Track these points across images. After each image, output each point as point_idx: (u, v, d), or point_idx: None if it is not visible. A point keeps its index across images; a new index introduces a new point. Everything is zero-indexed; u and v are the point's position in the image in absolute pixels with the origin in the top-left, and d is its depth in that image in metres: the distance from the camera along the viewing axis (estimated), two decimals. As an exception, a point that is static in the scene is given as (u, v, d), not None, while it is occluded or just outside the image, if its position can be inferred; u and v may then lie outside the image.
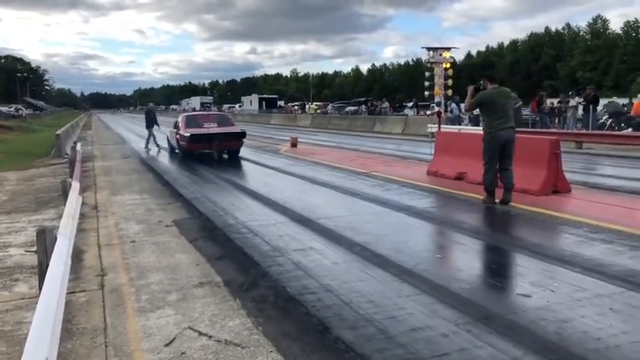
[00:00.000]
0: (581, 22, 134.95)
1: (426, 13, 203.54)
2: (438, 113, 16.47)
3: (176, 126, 15.90)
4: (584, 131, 18.04)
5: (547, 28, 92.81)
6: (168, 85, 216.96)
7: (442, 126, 15.61)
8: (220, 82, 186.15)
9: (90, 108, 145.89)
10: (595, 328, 3.46)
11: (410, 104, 45.81)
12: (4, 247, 6.14)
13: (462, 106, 20.11)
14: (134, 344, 3.49)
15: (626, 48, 75.27)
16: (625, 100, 28.67)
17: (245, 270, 4.99)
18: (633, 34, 78.10)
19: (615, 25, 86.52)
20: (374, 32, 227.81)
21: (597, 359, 3.07)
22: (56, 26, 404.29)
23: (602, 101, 23.66)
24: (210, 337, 3.55)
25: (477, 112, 12.96)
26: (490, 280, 4.66)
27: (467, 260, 5.26)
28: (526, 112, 22.98)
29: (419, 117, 31.34)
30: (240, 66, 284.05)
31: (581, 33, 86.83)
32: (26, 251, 5.83)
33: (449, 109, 25.20)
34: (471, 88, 7.82)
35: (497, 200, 7.39)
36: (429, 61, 27.29)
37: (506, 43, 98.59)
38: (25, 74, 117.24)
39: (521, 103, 22.31)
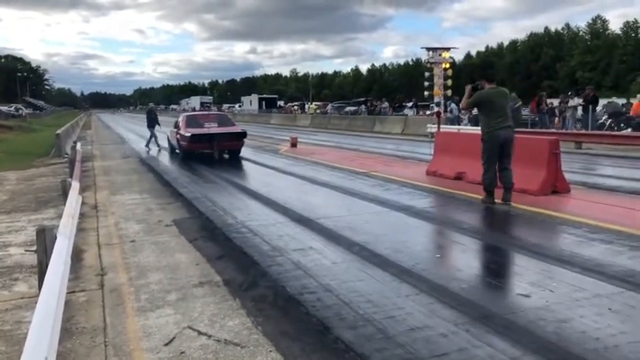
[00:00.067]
0: (580, 22, 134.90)
1: (426, 13, 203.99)
2: (438, 113, 16.47)
3: (176, 126, 15.85)
4: (583, 131, 18.05)
5: (547, 28, 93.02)
6: (168, 85, 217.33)
7: (441, 126, 15.61)
8: (220, 81, 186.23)
9: (90, 108, 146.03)
10: (594, 328, 3.47)
11: (409, 104, 45.84)
12: (3, 247, 6.15)
13: (462, 106, 20.08)
14: (134, 344, 3.49)
15: (625, 48, 75.34)
16: (624, 101, 28.66)
17: (245, 270, 4.99)
18: (633, 35, 78.17)
19: (615, 26, 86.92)
20: (374, 32, 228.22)
21: (596, 359, 3.08)
22: (56, 26, 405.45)
23: (602, 101, 23.66)
24: (210, 336, 3.56)
25: (475, 112, 12.97)
26: (489, 280, 4.67)
27: (466, 260, 5.27)
28: (525, 112, 23.02)
29: (418, 117, 31.35)
30: (240, 66, 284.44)
31: (581, 33, 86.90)
32: (26, 250, 5.83)
33: (448, 109, 25.24)
34: (468, 88, 7.85)
35: (496, 200, 7.40)
36: (428, 62, 27.34)
37: (505, 43, 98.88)
38: (25, 74, 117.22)
39: (520, 103, 22.38)
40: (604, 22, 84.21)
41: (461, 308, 3.86)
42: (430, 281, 4.47)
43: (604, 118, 20.29)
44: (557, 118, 21.57)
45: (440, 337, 3.41)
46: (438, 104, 26.19)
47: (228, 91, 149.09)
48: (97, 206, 8.39)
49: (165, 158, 16.33)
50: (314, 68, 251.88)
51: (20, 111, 57.14)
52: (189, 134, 14.20)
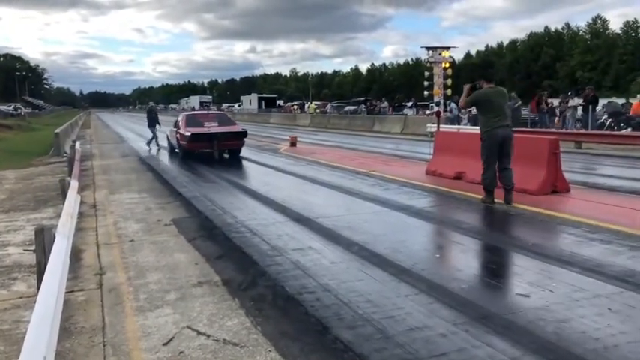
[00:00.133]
0: (580, 22, 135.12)
1: (426, 13, 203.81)
2: (437, 113, 16.48)
3: (176, 125, 15.76)
4: (583, 131, 18.06)
5: (546, 27, 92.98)
6: (167, 84, 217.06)
7: (441, 126, 15.61)
8: (219, 81, 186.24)
9: (89, 107, 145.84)
10: (593, 328, 3.46)
11: (409, 104, 45.97)
12: (2, 246, 6.14)
13: (461, 105, 20.07)
14: (132, 343, 3.49)
15: (625, 48, 75.39)
16: (623, 100, 28.67)
17: (244, 269, 4.99)
18: (632, 34, 78.23)
19: (614, 25, 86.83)
20: (373, 32, 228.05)
21: (596, 359, 3.08)
22: (56, 25, 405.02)
23: (602, 101, 23.67)
24: (209, 336, 3.55)
25: (475, 111, 12.97)
26: (488, 280, 4.67)
27: (465, 260, 5.26)
28: (525, 111, 23.03)
29: (418, 116, 31.40)
30: (240, 65, 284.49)
31: (581, 33, 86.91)
32: (25, 250, 5.82)
33: (448, 108, 25.23)
34: (467, 87, 7.87)
35: (498, 201, 7.39)
36: (428, 61, 27.31)
37: (505, 42, 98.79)
38: (24, 73, 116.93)
39: (520, 102, 22.38)
40: (604, 21, 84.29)
41: (460, 308, 3.85)
42: (429, 281, 4.47)
43: (604, 117, 20.29)
44: (557, 118, 21.57)
45: (439, 336, 3.41)
46: (437, 104, 26.18)
47: (227, 90, 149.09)
48: (96, 205, 8.38)
49: (164, 158, 16.31)
50: (313, 68, 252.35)
51: (19, 110, 57.15)
52: (189, 134, 14.13)
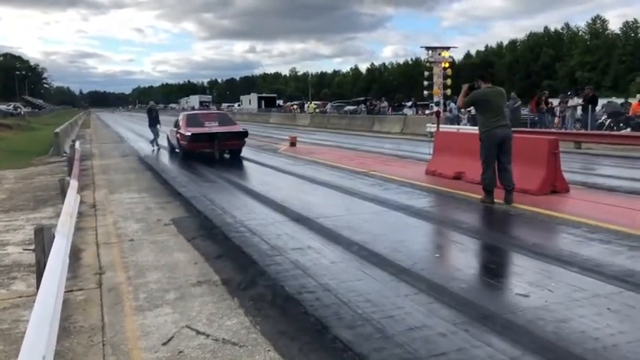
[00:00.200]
0: (580, 22, 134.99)
1: (426, 13, 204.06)
2: (437, 113, 16.47)
3: (176, 125, 15.70)
4: (582, 131, 18.07)
5: (546, 27, 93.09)
6: (167, 84, 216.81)
7: (441, 125, 15.60)
8: (219, 80, 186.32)
9: (89, 106, 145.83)
10: (593, 328, 3.46)
11: (409, 104, 45.95)
12: (1, 245, 6.13)
13: (461, 105, 20.07)
14: (132, 343, 3.49)
15: (624, 48, 75.46)
16: (622, 100, 28.68)
17: (243, 269, 4.99)
18: (632, 35, 78.32)
19: (614, 26, 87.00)
20: (373, 31, 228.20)
21: (595, 359, 3.08)
22: (55, 24, 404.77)
23: (601, 101, 23.67)
24: (208, 335, 3.55)
25: (474, 111, 12.99)
26: (488, 280, 4.67)
27: (465, 260, 5.26)
28: (525, 111, 23.04)
29: (418, 116, 31.39)
30: (239, 65, 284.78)
31: (580, 33, 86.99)
32: (24, 249, 5.82)
33: (448, 108, 25.22)
34: (465, 87, 7.88)
35: (499, 201, 7.39)
36: (428, 61, 27.24)
37: (505, 42, 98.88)
38: (24, 72, 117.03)
39: (520, 102, 22.39)
40: (603, 22, 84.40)
41: (460, 308, 3.85)
42: (429, 281, 4.47)
43: (603, 118, 20.30)
44: (556, 118, 21.58)
45: (439, 336, 3.41)
46: (437, 104, 26.14)
47: (227, 90, 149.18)
48: (95, 205, 8.38)
49: (163, 157, 16.30)
50: (313, 67, 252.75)
51: (19, 109, 57.10)
52: (189, 133, 14.07)
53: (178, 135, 14.95)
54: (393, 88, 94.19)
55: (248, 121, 45.21)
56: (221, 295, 4.31)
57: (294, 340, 3.46)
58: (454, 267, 5.03)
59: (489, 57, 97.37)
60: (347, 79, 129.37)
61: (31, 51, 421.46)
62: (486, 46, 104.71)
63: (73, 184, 7.19)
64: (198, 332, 3.60)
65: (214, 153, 14.34)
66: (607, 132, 17.86)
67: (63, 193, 6.71)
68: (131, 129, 35.03)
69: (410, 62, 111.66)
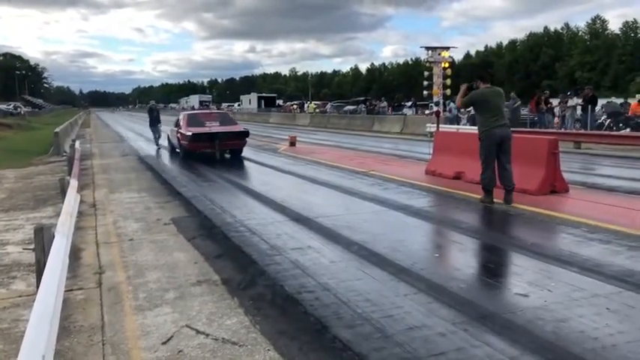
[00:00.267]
0: (579, 22, 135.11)
1: (426, 13, 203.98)
2: (437, 113, 16.47)
3: (177, 124, 15.64)
4: (582, 131, 18.08)
5: (546, 28, 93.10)
6: (167, 84, 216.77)
7: (440, 125, 15.61)
8: (219, 80, 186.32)
9: (89, 106, 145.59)
10: (592, 327, 3.47)
11: (408, 103, 45.98)
12: (1, 245, 6.14)
13: (461, 105, 20.07)
14: (131, 342, 3.49)
15: (624, 48, 75.48)
16: (621, 100, 28.68)
17: (243, 268, 4.99)
18: (632, 35, 78.33)
19: (614, 26, 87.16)
20: (373, 31, 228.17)
21: (594, 359, 3.08)
22: (55, 24, 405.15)
23: (601, 101, 23.67)
24: (208, 335, 3.55)
25: (473, 111, 13.00)
26: (487, 280, 4.67)
27: (464, 259, 5.27)
28: (525, 111, 23.03)
29: (417, 116, 31.40)
30: (239, 65, 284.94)
31: (580, 33, 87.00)
32: (24, 249, 5.83)
33: (447, 108, 25.22)
34: (463, 87, 7.89)
35: (498, 201, 7.40)
36: (427, 61, 27.23)
37: (505, 42, 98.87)
38: (24, 72, 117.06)
39: (520, 102, 22.39)
40: (603, 22, 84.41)
41: (459, 307, 3.86)
42: (428, 280, 4.47)
43: (603, 118, 20.30)
44: (556, 118, 21.58)
45: (438, 336, 3.41)
46: (437, 104, 26.14)
47: (227, 89, 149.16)
48: (95, 204, 8.38)
49: (164, 157, 16.30)
50: (313, 67, 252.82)
51: (19, 109, 57.05)
52: (190, 133, 14.02)
53: (179, 135, 14.89)
54: (393, 88, 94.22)
55: (248, 121, 45.16)
56: (221, 294, 4.32)
57: (294, 339, 3.47)
58: (453, 267, 5.03)
59: (489, 57, 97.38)
60: (347, 79, 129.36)
61: (31, 50, 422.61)
62: (486, 46, 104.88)
63: (73, 183, 7.19)
64: (197, 332, 3.61)
65: (215, 153, 14.29)
66: (606, 132, 17.86)
67: (63, 192, 6.71)
68: (131, 128, 35.03)
69: (410, 62, 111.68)
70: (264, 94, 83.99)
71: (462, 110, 21.05)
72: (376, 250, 5.37)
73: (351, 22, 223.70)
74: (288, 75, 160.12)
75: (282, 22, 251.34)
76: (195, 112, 21.43)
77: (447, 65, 26.50)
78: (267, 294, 4.29)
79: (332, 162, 13.09)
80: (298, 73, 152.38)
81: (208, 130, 14.46)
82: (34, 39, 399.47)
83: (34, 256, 4.02)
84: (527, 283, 4.34)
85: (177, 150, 15.71)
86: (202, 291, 4.40)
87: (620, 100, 28.04)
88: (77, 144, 14.23)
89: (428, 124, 21.50)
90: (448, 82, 26.18)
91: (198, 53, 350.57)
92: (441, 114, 19.68)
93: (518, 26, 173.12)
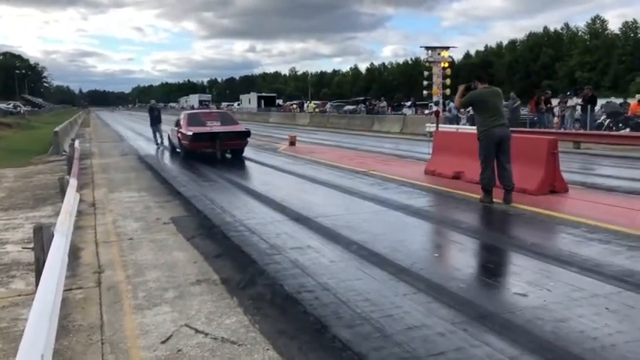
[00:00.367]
0: (579, 22, 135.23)
1: (426, 13, 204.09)
2: (436, 112, 16.50)
3: (178, 124, 15.56)
4: (582, 131, 18.07)
5: (546, 28, 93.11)
6: (166, 83, 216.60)
7: (440, 125, 15.62)
8: (219, 80, 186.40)
9: (88, 105, 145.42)
10: (591, 327, 3.47)
11: (408, 103, 45.97)
12: (1, 244, 6.13)
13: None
14: (131, 341, 3.49)
15: (624, 48, 75.51)
16: (621, 100, 28.68)
17: (242, 268, 4.99)
18: (631, 35, 78.37)
19: (614, 26, 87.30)
20: (373, 31, 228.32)
21: (593, 359, 3.08)
22: (55, 23, 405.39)
23: (601, 101, 23.67)
24: (207, 334, 3.55)
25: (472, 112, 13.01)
26: (487, 280, 4.67)
27: (464, 259, 5.27)
28: (524, 111, 23.03)
29: (417, 116, 31.41)
30: (239, 64, 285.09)
31: (580, 33, 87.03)
32: (23, 248, 5.82)
33: (447, 108, 25.23)
34: (461, 87, 7.89)
35: (498, 201, 7.40)
36: (427, 61, 27.27)
37: (505, 42, 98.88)
38: (24, 71, 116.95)
39: (519, 102, 22.38)
40: (603, 22, 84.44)
41: (458, 307, 3.86)
42: (428, 280, 4.47)
43: (602, 118, 20.30)
44: (555, 118, 21.58)
45: (437, 336, 3.41)
46: (436, 103, 26.17)
47: (227, 89, 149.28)
48: (94, 204, 8.38)
49: (164, 156, 16.29)
50: (313, 67, 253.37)
51: (18, 108, 57.01)
52: (190, 133, 13.94)
53: (179, 134, 14.81)
54: (393, 88, 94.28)
55: (248, 121, 45.09)
56: (220, 293, 4.31)
57: (293, 339, 3.47)
58: (453, 266, 5.03)
59: (489, 57, 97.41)
60: (346, 79, 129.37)
61: (31, 50, 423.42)
62: (486, 46, 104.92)
63: (73, 182, 7.19)
64: (197, 331, 3.60)
65: (216, 153, 14.23)
66: (606, 132, 17.86)
67: (62, 191, 6.70)
68: (131, 128, 35.02)
69: (409, 62, 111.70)
70: (263, 94, 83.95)
71: (462, 110, 21.05)
72: (376, 249, 5.37)
73: (351, 21, 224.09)
74: (287, 74, 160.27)
75: (282, 22, 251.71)
76: (196, 111, 21.32)
77: (446, 65, 26.53)
78: (267, 293, 4.29)
79: (332, 162, 13.09)
80: (298, 73, 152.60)
81: (209, 130, 14.35)
82: (33, 38, 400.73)
83: (34, 255, 4.02)
84: (527, 282, 4.34)
85: (178, 150, 15.65)
86: (202, 290, 4.40)
87: (619, 100, 28.05)
88: (77, 143, 14.20)
89: (427, 124, 21.50)
90: (448, 81, 26.22)
91: (198, 53, 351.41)
92: (441, 114, 19.71)
93: (518, 26, 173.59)
